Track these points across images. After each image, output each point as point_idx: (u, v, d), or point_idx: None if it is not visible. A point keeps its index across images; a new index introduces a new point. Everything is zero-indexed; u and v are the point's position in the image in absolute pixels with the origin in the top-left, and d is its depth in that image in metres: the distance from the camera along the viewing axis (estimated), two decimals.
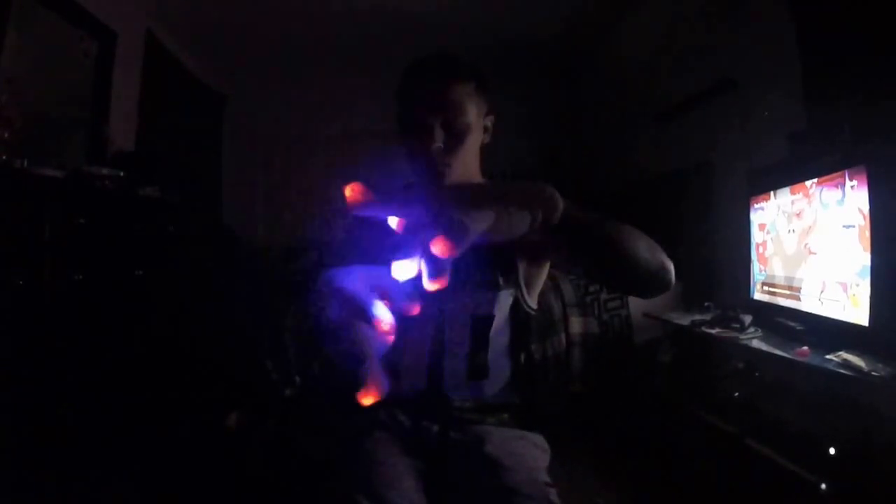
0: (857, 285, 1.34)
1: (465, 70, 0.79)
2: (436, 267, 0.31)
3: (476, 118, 0.79)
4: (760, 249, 1.91)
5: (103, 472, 1.55)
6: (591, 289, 2.48)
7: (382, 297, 0.33)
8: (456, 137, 0.76)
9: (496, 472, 0.74)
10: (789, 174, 1.73)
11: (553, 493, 0.73)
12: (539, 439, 0.86)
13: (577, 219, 0.48)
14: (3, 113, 1.75)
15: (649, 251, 0.58)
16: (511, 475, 0.73)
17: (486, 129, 0.84)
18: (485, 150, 0.85)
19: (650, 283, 0.60)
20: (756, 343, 1.61)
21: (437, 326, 0.80)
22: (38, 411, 1.52)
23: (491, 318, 0.81)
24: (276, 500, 1.29)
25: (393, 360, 0.84)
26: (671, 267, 0.60)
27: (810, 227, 1.58)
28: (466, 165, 0.80)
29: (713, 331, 1.79)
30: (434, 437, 0.80)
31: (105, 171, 2.02)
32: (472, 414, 0.83)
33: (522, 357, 0.88)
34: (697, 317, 1.98)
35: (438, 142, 0.74)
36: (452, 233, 0.30)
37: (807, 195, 1.59)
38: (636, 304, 2.45)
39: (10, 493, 1.34)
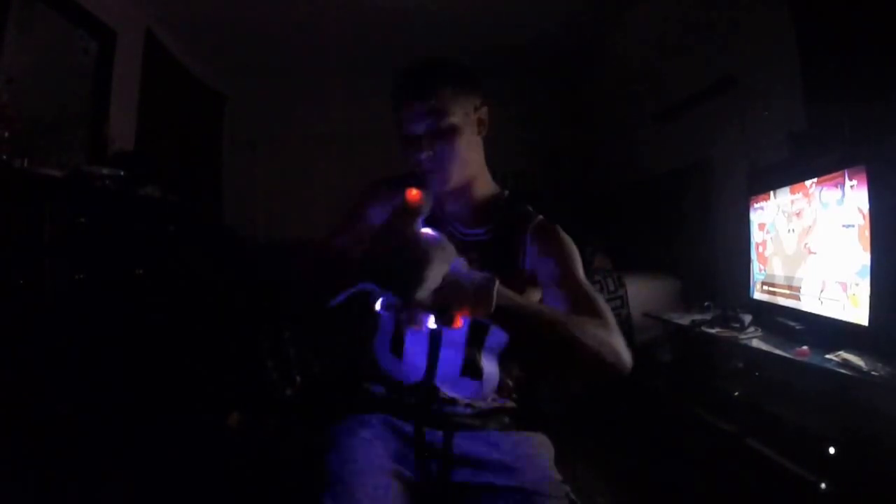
0: (857, 285, 1.34)
1: (443, 74, 0.79)
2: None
3: (463, 117, 0.79)
4: (760, 249, 1.91)
5: (103, 472, 1.55)
6: None
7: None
8: (445, 141, 0.78)
9: (512, 475, 0.74)
10: (789, 174, 1.72)
11: (570, 491, 0.73)
12: (543, 438, 0.86)
13: (512, 312, 0.60)
14: (3, 113, 1.75)
15: (598, 342, 0.63)
16: (527, 477, 0.73)
17: (480, 122, 0.84)
18: (488, 142, 0.87)
19: (594, 373, 0.71)
20: (756, 343, 1.61)
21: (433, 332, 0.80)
22: (39, 411, 1.52)
23: (487, 325, 0.80)
24: (275, 500, 1.29)
25: (394, 365, 0.85)
26: (625, 358, 0.65)
27: (810, 227, 1.58)
28: (465, 162, 0.81)
29: (713, 330, 1.79)
30: (439, 443, 0.78)
31: (105, 170, 2.02)
32: (473, 420, 0.82)
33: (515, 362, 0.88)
34: (697, 316, 1.98)
35: (427, 149, 0.77)
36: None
37: (806, 195, 1.59)
38: (636, 304, 2.45)
39: (10, 492, 1.34)
